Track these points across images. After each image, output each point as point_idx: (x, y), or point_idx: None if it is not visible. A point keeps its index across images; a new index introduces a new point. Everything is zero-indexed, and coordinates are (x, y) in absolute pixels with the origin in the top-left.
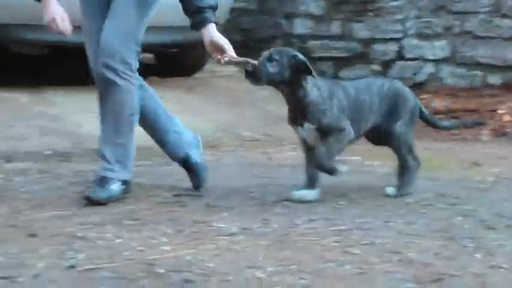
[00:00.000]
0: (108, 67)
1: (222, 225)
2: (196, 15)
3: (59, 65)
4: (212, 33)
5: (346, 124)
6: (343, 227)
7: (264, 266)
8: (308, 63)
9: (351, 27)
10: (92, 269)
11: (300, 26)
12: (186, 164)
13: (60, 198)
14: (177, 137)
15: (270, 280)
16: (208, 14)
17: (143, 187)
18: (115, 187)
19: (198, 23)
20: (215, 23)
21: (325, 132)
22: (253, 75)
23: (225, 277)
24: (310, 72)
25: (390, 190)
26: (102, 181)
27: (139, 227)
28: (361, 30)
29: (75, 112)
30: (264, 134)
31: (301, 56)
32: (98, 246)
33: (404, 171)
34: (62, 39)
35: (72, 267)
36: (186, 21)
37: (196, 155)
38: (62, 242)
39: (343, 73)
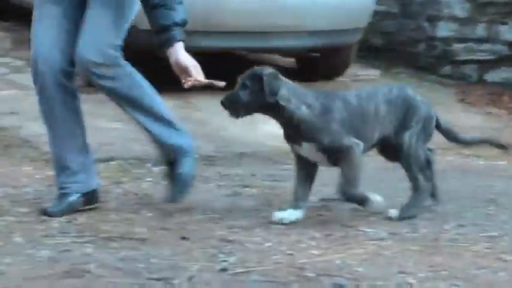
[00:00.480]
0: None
1: (370, 230)
2: (162, 34)
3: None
4: (178, 53)
5: (350, 139)
6: (494, 233)
7: (414, 271)
8: (269, 83)
9: (496, 29)
10: (243, 272)
11: (444, 29)
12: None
13: (208, 202)
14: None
15: (422, 286)
16: (175, 32)
17: (289, 191)
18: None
19: (163, 42)
20: (182, 41)
21: (330, 152)
22: (229, 107)
23: (375, 282)
24: (267, 94)
25: (392, 212)
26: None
27: (287, 231)
28: (507, 32)
29: (220, 116)
30: None
31: (267, 73)
32: (248, 249)
33: (412, 191)
34: (214, 45)
35: (224, 270)
36: (327, 25)
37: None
38: (213, 245)
39: (488, 76)
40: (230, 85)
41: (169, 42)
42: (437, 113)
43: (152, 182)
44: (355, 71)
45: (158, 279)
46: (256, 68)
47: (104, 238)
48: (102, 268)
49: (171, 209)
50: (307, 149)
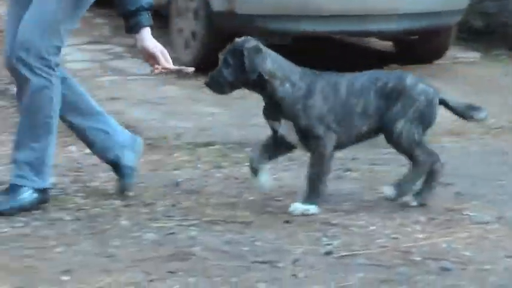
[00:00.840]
0: (22, 61)
1: (474, 214)
2: (129, 20)
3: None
4: (145, 39)
5: (325, 130)
6: None
7: None
8: (250, 59)
9: None
10: (348, 255)
11: None
12: (115, 166)
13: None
14: (107, 137)
15: None
16: (141, 17)
17: (391, 175)
18: (26, 195)
19: (130, 28)
20: (150, 26)
21: (304, 136)
22: (214, 86)
23: (482, 266)
24: (248, 71)
25: (386, 190)
26: (12, 189)
27: (392, 215)
28: None
29: None
30: (509, 121)
31: (248, 48)
32: (352, 233)
33: (411, 165)
34: (312, 29)
35: (328, 253)
36: (425, 7)
37: (128, 158)
38: (316, 229)
39: None
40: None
41: (136, 28)
42: (447, 95)
43: None
44: (455, 53)
45: (263, 262)
46: (237, 42)
47: (207, 221)
48: (207, 251)
49: (274, 193)
50: (285, 128)
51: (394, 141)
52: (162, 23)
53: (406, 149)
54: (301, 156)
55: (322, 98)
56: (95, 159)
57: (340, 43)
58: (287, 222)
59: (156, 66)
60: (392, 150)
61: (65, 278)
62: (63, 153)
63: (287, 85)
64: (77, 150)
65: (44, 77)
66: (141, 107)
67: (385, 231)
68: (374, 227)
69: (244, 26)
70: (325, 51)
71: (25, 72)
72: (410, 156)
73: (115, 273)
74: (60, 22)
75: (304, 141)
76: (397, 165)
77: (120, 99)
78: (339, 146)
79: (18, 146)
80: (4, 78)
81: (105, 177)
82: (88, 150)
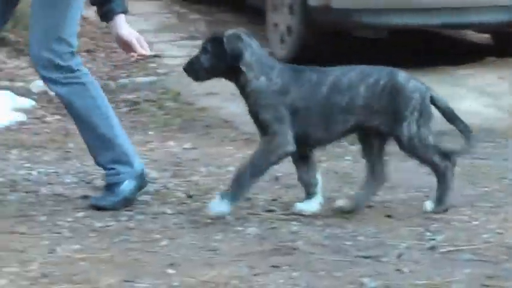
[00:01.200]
0: (49, 80)
1: None
2: (101, 7)
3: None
4: (119, 27)
5: (286, 131)
6: None
7: None
8: (231, 45)
9: None
10: (453, 250)
11: None
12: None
13: (410, 180)
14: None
15: None
16: (114, 3)
17: (492, 169)
18: (125, 187)
19: (104, 15)
20: (123, 12)
21: (261, 127)
22: (191, 72)
23: None
24: (235, 62)
25: (428, 205)
26: (110, 188)
27: (495, 209)
28: None
29: None
30: None
31: (228, 35)
32: (455, 228)
33: (436, 177)
34: (410, 22)
35: (433, 248)
36: None
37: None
38: (418, 223)
39: None
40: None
41: (109, 15)
42: (435, 92)
43: (351, 160)
44: None
45: (366, 257)
46: (218, 31)
47: (308, 216)
48: (310, 245)
49: None
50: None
51: (406, 147)
52: (257, 18)
53: (422, 155)
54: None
55: (295, 98)
56: (195, 153)
57: (436, 36)
58: (388, 216)
59: (132, 53)
60: (494, 143)
61: (170, 271)
62: (163, 148)
63: (262, 79)
64: (176, 145)
65: (75, 83)
66: (237, 101)
67: (489, 226)
68: (477, 222)
69: (340, 21)
70: (420, 44)
71: (56, 88)
72: (429, 164)
73: (219, 267)
74: (64, 27)
75: (260, 134)
76: (499, 159)
77: (216, 94)
78: (316, 143)
79: (93, 152)
80: (103, 74)
81: (205, 172)
82: (186, 145)
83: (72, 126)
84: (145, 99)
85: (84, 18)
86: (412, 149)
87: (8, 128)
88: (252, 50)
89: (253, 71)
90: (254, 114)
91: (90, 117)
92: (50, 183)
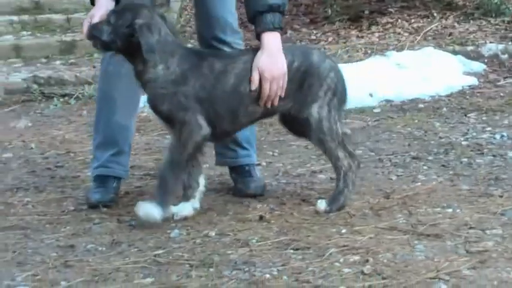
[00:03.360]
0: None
1: None
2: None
3: None
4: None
5: (193, 116)
6: None
7: None
8: (146, 38)
9: None
10: None
11: None
12: None
13: None
14: None
15: None
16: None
17: None
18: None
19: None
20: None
21: (166, 120)
22: (92, 39)
23: None
24: (146, 51)
25: (321, 204)
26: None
27: None
28: None
29: None
30: None
31: (141, 24)
32: None
33: (336, 174)
34: None
35: None
36: None
37: None
38: None
39: None
40: None
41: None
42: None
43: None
44: None
45: None
46: (129, 5)
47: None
48: None
49: None
50: (151, 112)
51: (314, 130)
52: None
53: (327, 143)
54: None
55: (196, 87)
56: None
57: None
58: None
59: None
60: None
61: None
62: None
63: (160, 67)
64: None
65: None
66: None
67: None
68: None
69: None
70: None
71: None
72: (332, 156)
73: None
74: None
75: (167, 126)
76: None
77: None
78: (224, 133)
79: None
80: None
81: None
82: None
83: None
84: None
85: None
86: (320, 133)
87: (461, 92)
88: (159, 36)
89: (153, 60)
90: (153, 105)
91: None
92: None
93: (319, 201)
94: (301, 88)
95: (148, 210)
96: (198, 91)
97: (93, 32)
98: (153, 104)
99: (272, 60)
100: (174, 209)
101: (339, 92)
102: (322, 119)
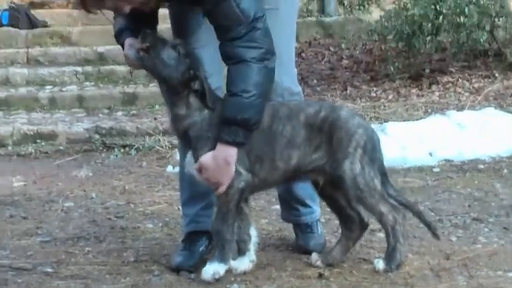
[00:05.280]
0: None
1: None
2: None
3: None
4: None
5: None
6: None
7: None
8: (209, 86)
9: None
10: None
11: None
12: None
13: None
14: None
15: None
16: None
17: None
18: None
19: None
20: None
21: None
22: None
23: None
24: (203, 97)
25: (378, 263)
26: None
27: None
28: None
29: None
30: None
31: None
32: None
33: (384, 231)
34: None
35: None
36: None
37: None
38: None
39: None
40: None
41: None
42: None
43: None
44: None
45: None
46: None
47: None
48: None
49: None
50: (189, 163)
51: (351, 188)
52: None
53: (367, 199)
54: None
55: None
56: None
57: None
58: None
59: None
60: None
61: None
62: None
63: (205, 111)
64: None
65: None
66: None
67: None
68: None
69: None
70: None
71: None
72: (374, 212)
73: None
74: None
75: None
76: None
77: None
78: (261, 186)
79: None
80: None
81: None
82: None
83: None
84: None
85: None
86: (356, 190)
87: None
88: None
89: (198, 102)
90: (196, 152)
91: None
92: None
93: (376, 260)
94: (331, 142)
95: (214, 271)
96: None
97: (155, 48)
98: (195, 150)
99: (216, 169)
100: (232, 263)
101: (369, 150)
102: (355, 175)
